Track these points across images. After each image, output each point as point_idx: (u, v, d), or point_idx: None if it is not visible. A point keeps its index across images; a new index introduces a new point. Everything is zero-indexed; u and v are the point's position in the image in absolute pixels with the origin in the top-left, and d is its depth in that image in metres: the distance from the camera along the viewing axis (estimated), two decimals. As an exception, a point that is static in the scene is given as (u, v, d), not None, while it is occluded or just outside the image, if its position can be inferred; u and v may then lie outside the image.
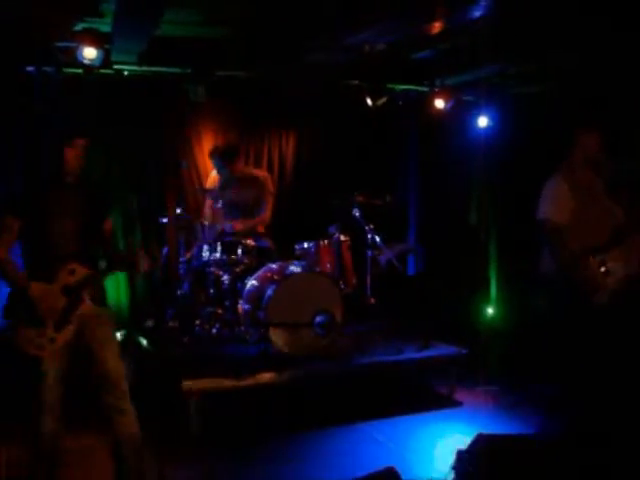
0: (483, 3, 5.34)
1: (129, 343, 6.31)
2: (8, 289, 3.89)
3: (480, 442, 3.84)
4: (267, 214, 6.79)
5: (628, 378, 5.00)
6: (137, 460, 4.05)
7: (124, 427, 4.01)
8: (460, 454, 3.82)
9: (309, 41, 6.33)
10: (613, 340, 4.74)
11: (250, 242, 6.36)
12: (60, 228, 3.92)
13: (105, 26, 5.81)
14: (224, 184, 6.75)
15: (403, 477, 3.63)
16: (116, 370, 4.04)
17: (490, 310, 7.67)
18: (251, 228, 6.66)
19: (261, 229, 6.85)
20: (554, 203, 4.81)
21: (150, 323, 6.48)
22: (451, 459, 3.96)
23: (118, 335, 6.14)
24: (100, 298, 4.06)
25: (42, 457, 3.92)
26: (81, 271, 3.91)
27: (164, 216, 6.60)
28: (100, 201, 4.16)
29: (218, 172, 6.90)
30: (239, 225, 6.59)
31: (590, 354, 4.70)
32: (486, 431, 4.05)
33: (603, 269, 4.70)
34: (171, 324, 6.36)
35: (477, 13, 5.53)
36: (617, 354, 4.82)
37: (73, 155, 3.99)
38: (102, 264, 4.00)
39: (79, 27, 5.81)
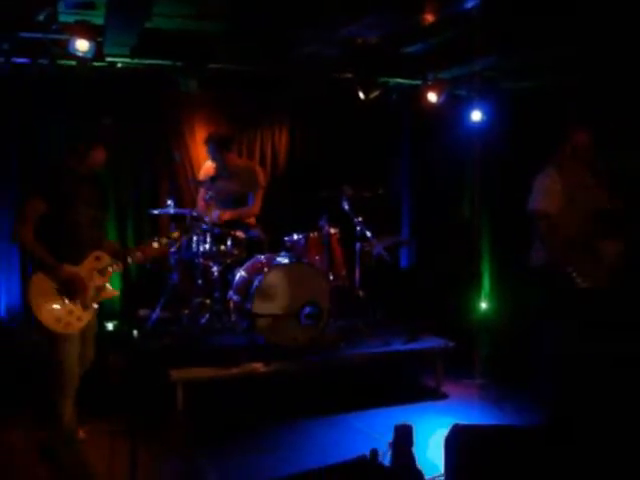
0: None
1: (120, 333, 6.39)
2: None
3: (455, 432, 3.88)
4: (257, 206, 6.84)
5: (620, 370, 5.07)
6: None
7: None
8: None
9: (300, 34, 6.35)
10: (604, 328, 4.81)
11: (240, 234, 6.39)
12: (84, 216, 4.16)
13: (98, 18, 5.84)
14: (217, 174, 6.79)
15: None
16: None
17: (483, 304, 7.70)
18: (238, 218, 6.70)
19: (252, 221, 6.89)
20: (544, 194, 4.92)
21: (143, 313, 6.54)
22: (434, 450, 4.00)
23: (110, 325, 6.29)
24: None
25: (63, 439, 4.10)
26: (105, 258, 4.20)
27: (156, 208, 6.67)
28: (104, 194, 4.37)
29: (212, 160, 6.94)
30: (226, 215, 6.63)
31: (581, 343, 4.77)
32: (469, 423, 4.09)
33: (595, 256, 4.77)
34: (161, 314, 6.40)
35: (469, 4, 5.54)
36: (608, 342, 4.88)
37: (102, 154, 4.27)
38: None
39: (72, 19, 5.85)
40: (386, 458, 3.81)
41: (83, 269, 4.11)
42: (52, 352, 4.09)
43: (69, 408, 4.14)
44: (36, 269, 4.06)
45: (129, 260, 4.50)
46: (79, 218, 4.12)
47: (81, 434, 4.50)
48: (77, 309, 4.08)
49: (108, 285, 4.32)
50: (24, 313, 6.66)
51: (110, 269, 4.26)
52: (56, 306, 4.00)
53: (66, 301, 4.03)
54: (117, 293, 4.48)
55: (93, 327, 4.46)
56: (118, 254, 4.39)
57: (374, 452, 3.70)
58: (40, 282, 4.00)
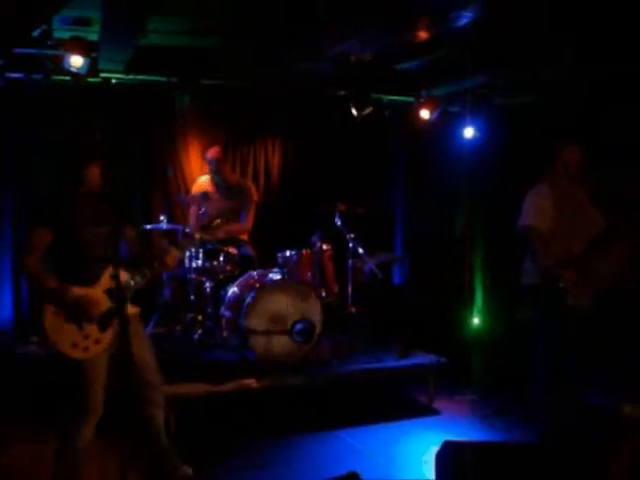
0: (466, 13, 5.42)
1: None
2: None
3: (447, 448, 3.88)
4: (249, 222, 6.84)
5: (612, 382, 5.09)
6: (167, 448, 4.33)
7: (159, 419, 4.27)
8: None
9: (294, 51, 6.39)
10: (597, 344, 4.83)
11: (232, 250, 6.40)
12: (94, 235, 4.00)
13: (93, 34, 5.88)
14: (215, 189, 6.82)
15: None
16: (152, 365, 4.26)
17: (475, 320, 7.71)
18: (231, 235, 6.71)
19: (244, 237, 6.90)
20: (535, 210, 4.92)
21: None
22: (425, 466, 4.00)
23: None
24: (135, 298, 4.19)
25: (72, 458, 3.93)
26: (122, 275, 3.97)
27: (149, 223, 6.68)
28: (122, 209, 4.25)
29: (215, 174, 6.94)
30: (219, 232, 6.64)
31: (574, 359, 4.78)
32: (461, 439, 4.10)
33: (585, 275, 4.77)
34: (153, 330, 6.39)
35: (461, 22, 5.58)
36: (601, 358, 4.90)
37: (97, 172, 4.09)
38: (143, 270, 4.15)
39: (66, 35, 5.88)
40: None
41: (99, 289, 3.95)
42: (77, 378, 3.92)
43: (90, 429, 3.96)
44: (46, 297, 3.90)
45: (147, 273, 4.19)
46: (88, 239, 3.98)
47: None
48: (93, 331, 3.90)
49: (129, 302, 4.07)
50: (16, 326, 6.69)
51: (128, 285, 4.05)
52: (70, 331, 3.84)
53: (80, 325, 3.86)
54: (137, 310, 4.21)
55: (137, 337, 4.12)
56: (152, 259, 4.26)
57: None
58: (51, 310, 3.85)
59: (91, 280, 3.94)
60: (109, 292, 3.96)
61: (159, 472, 4.32)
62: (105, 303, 3.94)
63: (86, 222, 4.00)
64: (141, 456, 4.32)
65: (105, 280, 3.97)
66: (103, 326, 3.92)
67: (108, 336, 3.96)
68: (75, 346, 3.83)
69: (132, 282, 4.08)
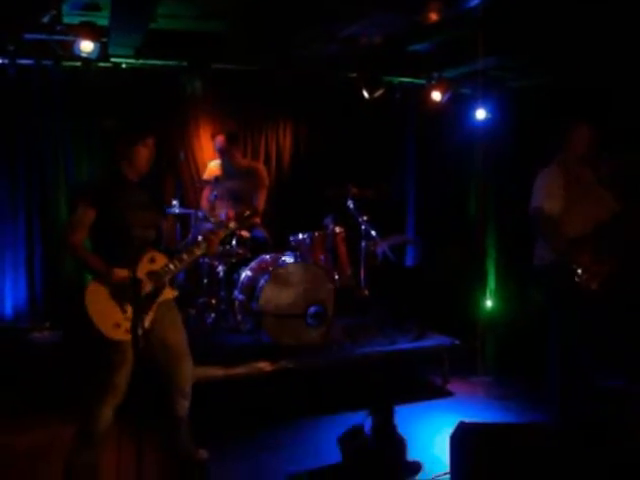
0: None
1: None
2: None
3: (461, 430, 3.89)
4: (260, 205, 6.83)
5: (622, 366, 5.07)
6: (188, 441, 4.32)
7: (183, 410, 4.24)
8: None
9: (305, 33, 6.37)
10: (610, 325, 4.81)
11: (245, 233, 6.41)
12: (136, 219, 3.99)
13: (103, 20, 5.87)
14: (223, 173, 6.82)
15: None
16: (185, 354, 4.23)
17: (488, 302, 7.70)
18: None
19: (257, 220, 6.89)
20: (547, 192, 4.88)
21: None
22: (440, 447, 4.01)
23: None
24: (173, 283, 4.20)
25: (92, 440, 3.91)
26: (161, 259, 4.02)
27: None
28: (159, 199, 4.24)
29: (219, 155, 6.97)
30: (232, 213, 6.63)
31: (588, 340, 4.78)
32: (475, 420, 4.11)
33: (597, 257, 4.75)
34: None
35: (472, 3, 5.54)
36: (610, 340, 4.89)
37: (145, 154, 4.07)
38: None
39: (76, 20, 5.87)
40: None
41: (139, 272, 3.91)
42: (106, 359, 3.87)
43: (111, 409, 3.91)
44: (90, 278, 3.90)
45: (196, 251, 4.17)
46: (130, 221, 3.96)
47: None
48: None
49: (168, 287, 4.09)
50: (31, 312, 6.73)
51: (167, 269, 4.03)
52: (112, 312, 3.82)
53: (123, 306, 3.85)
54: (176, 294, 4.18)
55: (174, 323, 4.19)
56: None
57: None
58: (95, 290, 3.83)
59: (131, 263, 3.89)
60: (150, 275, 3.95)
61: (175, 455, 4.33)
62: (147, 285, 3.93)
63: (128, 206, 3.98)
64: (158, 441, 4.34)
65: (144, 264, 3.96)
66: (143, 310, 3.89)
67: (149, 319, 3.96)
68: (117, 327, 3.82)
69: (171, 266, 4.05)
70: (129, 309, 3.84)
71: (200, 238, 4.24)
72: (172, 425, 4.28)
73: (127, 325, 3.80)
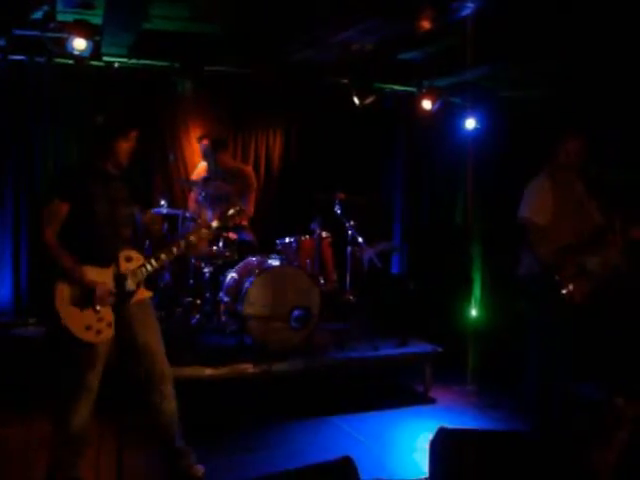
0: (469, 4, 5.42)
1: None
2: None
3: (441, 436, 3.91)
4: (249, 208, 6.86)
5: (607, 375, 5.10)
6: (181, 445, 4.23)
7: (171, 414, 4.16)
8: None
9: (296, 38, 6.40)
10: (590, 337, 4.84)
11: (232, 235, 6.42)
12: (111, 215, 3.90)
13: (96, 18, 5.88)
14: (209, 175, 6.84)
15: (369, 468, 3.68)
16: (160, 353, 4.12)
17: (473, 310, 7.73)
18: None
19: (244, 222, 6.91)
20: (535, 203, 4.89)
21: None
22: (419, 453, 4.02)
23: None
24: (149, 283, 4.09)
25: (69, 442, 3.86)
26: (137, 257, 3.93)
27: (149, 207, 6.68)
28: (139, 194, 4.19)
29: (204, 158, 7.00)
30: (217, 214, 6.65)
31: (567, 351, 4.80)
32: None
33: (581, 269, 4.78)
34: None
35: (464, 13, 5.58)
36: (596, 352, 4.91)
37: (126, 147, 3.97)
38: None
39: (70, 18, 5.88)
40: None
41: (113, 271, 3.79)
42: (77, 359, 3.81)
43: (85, 410, 3.85)
44: (60, 275, 3.76)
45: (174, 250, 4.08)
46: (105, 217, 3.86)
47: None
48: (108, 314, 3.77)
49: (142, 287, 3.98)
50: (15, 307, 6.72)
51: (144, 269, 3.93)
52: (84, 313, 3.73)
53: (94, 307, 3.74)
54: (150, 294, 4.08)
55: (147, 324, 4.06)
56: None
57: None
58: (65, 288, 3.72)
59: (106, 261, 3.81)
60: (123, 275, 3.81)
61: (172, 468, 4.24)
62: (129, 283, 3.84)
63: (103, 201, 3.88)
64: (137, 441, 4.31)
65: (121, 262, 3.85)
66: (116, 310, 3.72)
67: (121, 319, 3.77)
68: (89, 329, 3.75)
69: (148, 265, 3.97)
70: (102, 310, 3.77)
71: (181, 238, 4.17)
72: (164, 433, 4.21)
73: (99, 327, 3.76)
